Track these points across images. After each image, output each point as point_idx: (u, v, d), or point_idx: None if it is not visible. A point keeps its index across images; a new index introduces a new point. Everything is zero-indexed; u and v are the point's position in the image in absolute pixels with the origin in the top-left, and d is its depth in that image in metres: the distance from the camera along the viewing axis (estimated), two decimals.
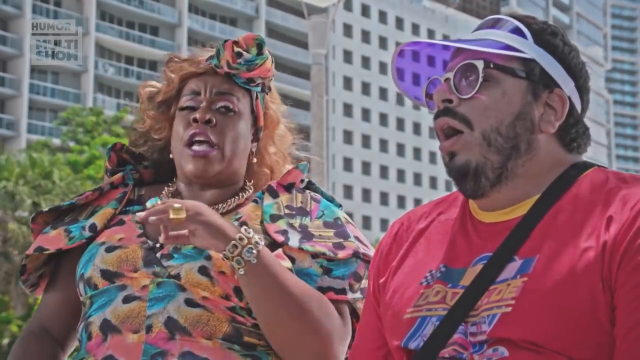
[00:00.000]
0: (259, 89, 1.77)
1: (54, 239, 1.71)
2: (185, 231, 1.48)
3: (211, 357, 1.53)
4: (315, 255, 1.64)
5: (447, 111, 1.33)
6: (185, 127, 1.70)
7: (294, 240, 1.64)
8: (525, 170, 1.32)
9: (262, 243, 1.54)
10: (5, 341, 23.52)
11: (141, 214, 1.49)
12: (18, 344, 1.69)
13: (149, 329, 1.54)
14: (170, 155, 1.75)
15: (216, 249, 1.51)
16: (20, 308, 23.63)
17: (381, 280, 1.42)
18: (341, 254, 1.64)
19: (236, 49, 1.69)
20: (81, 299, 1.67)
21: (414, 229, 1.44)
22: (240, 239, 1.51)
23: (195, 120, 1.68)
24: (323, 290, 1.61)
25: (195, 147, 1.67)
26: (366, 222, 57.82)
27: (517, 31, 1.35)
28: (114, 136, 27.63)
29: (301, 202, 1.71)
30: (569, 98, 1.34)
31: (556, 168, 1.33)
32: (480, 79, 1.31)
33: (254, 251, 1.51)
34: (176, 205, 1.47)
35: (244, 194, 1.74)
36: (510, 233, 1.28)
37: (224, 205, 1.71)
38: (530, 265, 1.23)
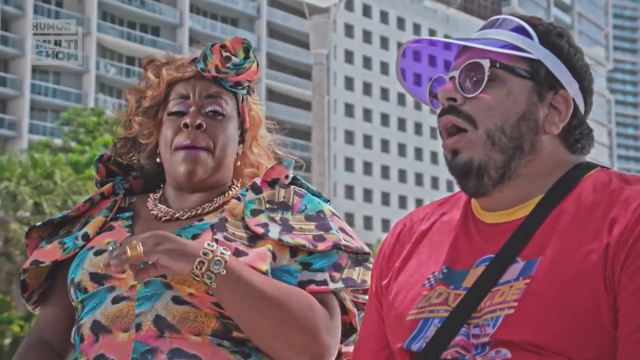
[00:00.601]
0: (245, 91, 1.78)
1: (49, 252, 1.72)
2: (150, 263, 1.49)
3: (200, 354, 1.54)
4: (294, 251, 1.64)
5: (451, 109, 1.32)
6: (175, 132, 1.70)
7: (274, 232, 1.64)
8: (528, 171, 1.31)
9: (228, 253, 1.53)
10: (7, 341, 23.54)
11: (104, 261, 1.50)
12: (17, 358, 1.69)
13: (138, 327, 1.56)
14: (158, 159, 1.76)
15: (185, 271, 1.50)
16: (21, 308, 23.64)
17: (384, 282, 1.42)
18: (321, 246, 1.63)
19: (224, 54, 1.70)
20: (73, 304, 1.69)
21: (417, 230, 1.43)
22: (205, 253, 1.50)
23: (185, 125, 1.68)
24: (304, 284, 1.61)
25: (187, 150, 1.68)
26: (367, 222, 57.83)
27: (522, 31, 1.35)
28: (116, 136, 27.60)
29: (283, 197, 1.71)
30: (573, 100, 1.34)
31: (559, 169, 1.33)
32: (486, 79, 1.30)
33: (222, 262, 1.51)
34: (133, 242, 1.48)
35: (229, 192, 1.75)
36: (512, 234, 1.28)
37: (210, 204, 1.71)
38: (533, 267, 1.22)
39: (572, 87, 1.34)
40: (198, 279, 1.50)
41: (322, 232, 1.66)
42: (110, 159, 1.82)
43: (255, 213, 1.67)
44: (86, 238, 1.71)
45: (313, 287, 1.61)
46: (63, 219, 1.78)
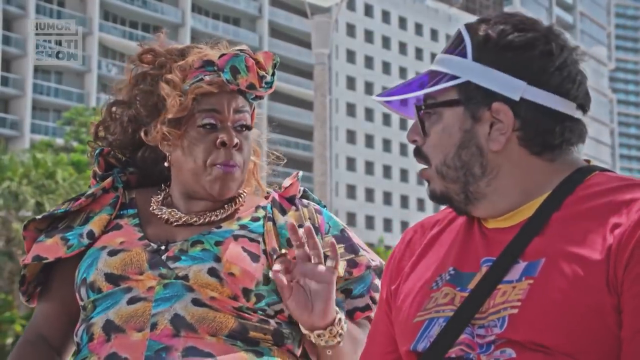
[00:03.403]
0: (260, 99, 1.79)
1: (51, 248, 1.71)
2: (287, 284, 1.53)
3: (214, 352, 1.55)
4: None
5: (416, 151, 1.37)
6: (208, 147, 1.67)
7: None
8: (494, 189, 1.31)
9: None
10: (9, 340, 23.58)
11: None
12: (14, 353, 1.69)
13: (153, 326, 1.55)
14: (166, 164, 1.74)
15: (322, 324, 1.55)
16: (23, 307, 23.66)
17: (393, 287, 1.43)
18: (356, 272, 1.71)
19: (261, 73, 1.70)
20: (81, 303, 1.67)
21: (427, 235, 1.44)
22: (339, 312, 1.57)
23: (223, 143, 1.67)
24: (350, 312, 1.70)
25: (225, 168, 1.67)
26: (369, 222, 57.86)
27: (460, 51, 1.32)
28: None
29: (309, 219, 1.74)
30: (524, 100, 1.28)
31: (539, 175, 1.31)
32: (418, 122, 1.34)
33: (346, 323, 1.60)
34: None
35: (239, 199, 1.75)
36: (514, 237, 1.28)
37: (222, 211, 1.72)
38: (536, 268, 1.22)
39: (515, 89, 1.28)
40: (327, 335, 1.56)
41: (353, 256, 1.72)
42: (110, 153, 1.81)
43: (290, 243, 1.67)
44: (91, 236, 1.70)
45: (358, 314, 1.71)
46: (63, 213, 1.76)
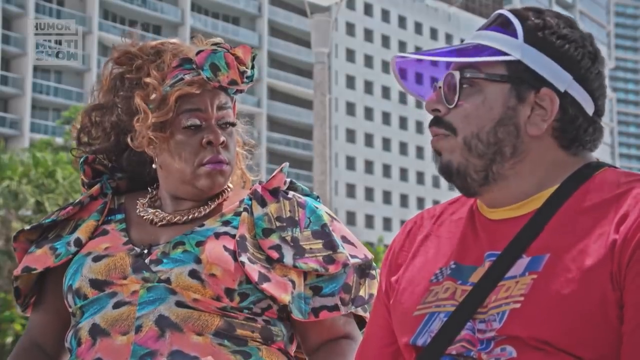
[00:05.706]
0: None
1: (40, 258, 1.70)
2: None
3: (200, 355, 1.53)
4: (305, 274, 1.66)
5: (436, 120, 1.34)
6: (195, 147, 1.66)
7: (288, 257, 1.65)
8: (515, 172, 1.31)
9: None
10: (9, 339, 23.58)
11: None
12: None
13: (138, 329, 1.55)
14: (154, 166, 1.73)
15: None
16: None
17: (392, 278, 1.42)
18: (331, 269, 1.66)
19: (241, 68, 1.68)
20: (70, 310, 1.67)
21: (426, 227, 1.44)
22: None
23: (209, 143, 1.66)
24: (317, 310, 1.64)
25: (213, 165, 1.67)
26: (369, 221, 57.84)
27: (509, 29, 1.33)
28: None
29: (289, 211, 1.70)
30: (566, 93, 1.31)
31: (556, 167, 1.32)
32: (457, 90, 1.31)
33: None
34: None
35: (223, 194, 1.74)
36: (520, 231, 1.27)
37: (206, 207, 1.71)
38: (540, 263, 1.22)
39: (563, 81, 1.30)
40: None
41: (331, 252, 1.67)
42: (95, 160, 1.80)
43: (267, 233, 1.66)
44: (79, 244, 1.69)
45: (325, 312, 1.65)
46: (52, 222, 1.75)
